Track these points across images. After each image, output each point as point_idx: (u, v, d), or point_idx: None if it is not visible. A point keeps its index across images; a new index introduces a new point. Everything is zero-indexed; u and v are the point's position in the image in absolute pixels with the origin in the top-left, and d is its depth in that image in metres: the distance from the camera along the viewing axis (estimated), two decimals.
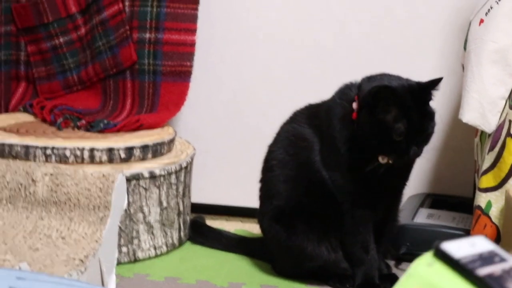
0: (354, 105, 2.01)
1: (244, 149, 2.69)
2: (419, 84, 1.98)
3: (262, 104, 2.68)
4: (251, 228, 2.54)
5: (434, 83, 1.97)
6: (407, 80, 2.02)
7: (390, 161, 1.98)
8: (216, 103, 2.71)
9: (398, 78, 2.04)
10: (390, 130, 1.93)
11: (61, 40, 2.71)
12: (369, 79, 2.03)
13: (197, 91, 2.65)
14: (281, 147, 2.15)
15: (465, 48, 2.24)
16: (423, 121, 1.95)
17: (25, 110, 2.67)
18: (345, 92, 2.08)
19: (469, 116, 2.14)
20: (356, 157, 1.99)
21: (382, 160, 1.98)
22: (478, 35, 2.16)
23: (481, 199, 2.06)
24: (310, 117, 2.14)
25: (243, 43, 2.68)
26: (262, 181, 2.20)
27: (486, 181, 2.06)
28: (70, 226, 2.00)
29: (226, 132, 2.71)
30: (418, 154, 1.96)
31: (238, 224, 2.63)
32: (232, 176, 2.72)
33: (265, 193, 2.18)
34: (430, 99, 1.98)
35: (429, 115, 1.97)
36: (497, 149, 2.05)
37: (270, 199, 2.14)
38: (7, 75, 2.72)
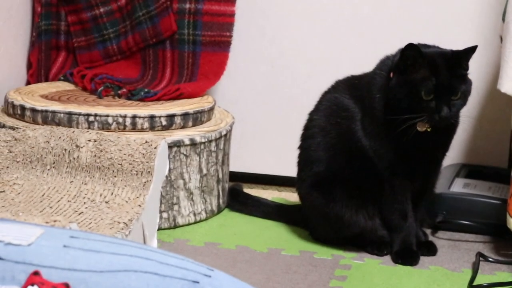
0: (391, 74, 2.04)
1: (282, 119, 2.71)
2: (453, 51, 2.01)
3: (300, 75, 2.70)
4: (288, 196, 2.57)
5: (468, 51, 2.00)
6: (442, 49, 2.05)
7: (428, 129, 2.00)
8: (255, 73, 2.73)
9: (435, 46, 2.07)
10: (419, 88, 1.96)
11: (101, 10, 2.73)
12: None
13: (236, 61, 2.67)
14: (322, 116, 2.17)
15: (503, 20, 2.24)
16: (452, 81, 1.97)
17: (65, 79, 2.70)
18: (385, 63, 2.11)
19: (508, 86, 2.14)
20: (394, 125, 2.01)
21: (420, 128, 2.00)
22: None
23: None
24: (352, 88, 2.17)
25: (283, 14, 2.69)
26: (302, 147, 2.23)
27: None
28: (113, 191, 2.04)
29: (264, 102, 2.73)
30: (450, 115, 1.97)
31: (274, 192, 2.65)
32: (269, 145, 2.74)
33: (304, 160, 2.21)
34: (464, 66, 2.00)
35: (461, 77, 1.99)
36: None
37: (310, 166, 2.17)
38: (47, 44, 2.75)
